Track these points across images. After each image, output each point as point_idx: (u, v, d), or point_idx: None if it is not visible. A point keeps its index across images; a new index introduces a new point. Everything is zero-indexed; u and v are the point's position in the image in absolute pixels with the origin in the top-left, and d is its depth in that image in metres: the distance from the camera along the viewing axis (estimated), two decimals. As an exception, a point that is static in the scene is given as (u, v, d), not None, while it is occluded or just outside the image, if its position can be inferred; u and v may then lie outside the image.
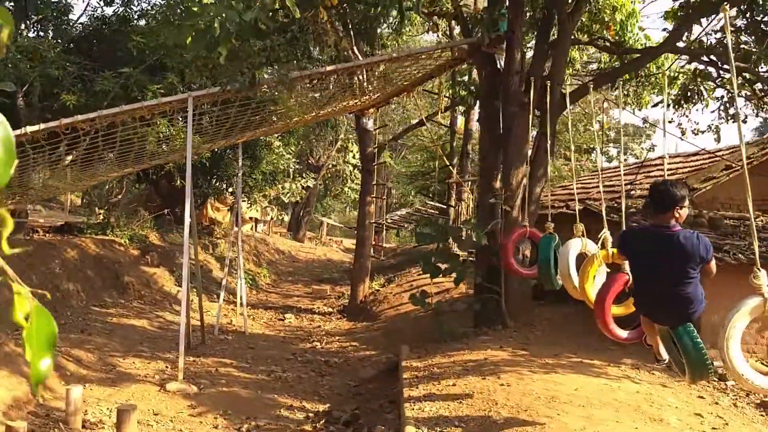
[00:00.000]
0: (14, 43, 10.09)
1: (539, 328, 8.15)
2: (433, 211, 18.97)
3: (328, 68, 8.01)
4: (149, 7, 13.10)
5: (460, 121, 17.28)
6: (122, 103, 11.69)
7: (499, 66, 8.47)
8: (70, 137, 7.70)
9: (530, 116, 7.73)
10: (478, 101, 9.24)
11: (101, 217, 15.51)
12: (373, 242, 34.16)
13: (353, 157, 28.63)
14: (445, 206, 18.01)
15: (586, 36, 9.01)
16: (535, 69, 8.10)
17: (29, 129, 7.06)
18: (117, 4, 13.24)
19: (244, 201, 21.80)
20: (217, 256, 18.76)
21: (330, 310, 14.73)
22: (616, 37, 8.91)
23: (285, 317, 13.25)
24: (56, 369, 7.22)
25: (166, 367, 8.20)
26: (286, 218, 34.15)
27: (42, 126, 7.10)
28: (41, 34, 12.46)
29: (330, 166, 31.11)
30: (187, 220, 7.95)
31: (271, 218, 30.95)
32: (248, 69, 7.64)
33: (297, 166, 24.50)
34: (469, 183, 16.48)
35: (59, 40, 10.75)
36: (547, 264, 5.96)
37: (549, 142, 7.83)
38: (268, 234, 30.45)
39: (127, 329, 9.75)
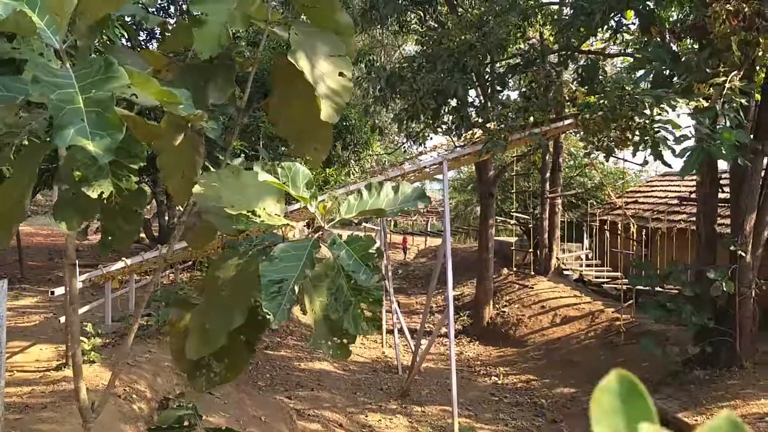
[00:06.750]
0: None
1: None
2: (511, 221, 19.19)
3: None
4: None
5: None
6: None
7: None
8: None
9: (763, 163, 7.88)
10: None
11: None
12: (401, 243, 34.14)
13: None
14: (528, 216, 18.22)
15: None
16: (765, 114, 8.26)
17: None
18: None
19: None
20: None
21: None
22: None
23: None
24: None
25: (410, 422, 8.15)
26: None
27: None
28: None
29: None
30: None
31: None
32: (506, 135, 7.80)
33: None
34: (562, 198, 16.72)
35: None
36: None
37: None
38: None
39: (325, 377, 9.61)
